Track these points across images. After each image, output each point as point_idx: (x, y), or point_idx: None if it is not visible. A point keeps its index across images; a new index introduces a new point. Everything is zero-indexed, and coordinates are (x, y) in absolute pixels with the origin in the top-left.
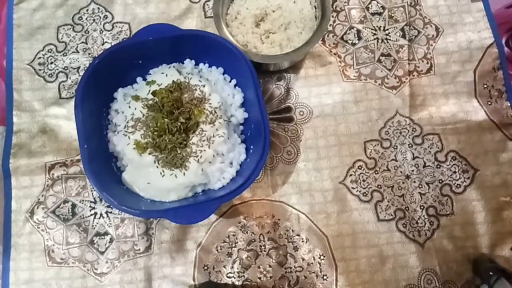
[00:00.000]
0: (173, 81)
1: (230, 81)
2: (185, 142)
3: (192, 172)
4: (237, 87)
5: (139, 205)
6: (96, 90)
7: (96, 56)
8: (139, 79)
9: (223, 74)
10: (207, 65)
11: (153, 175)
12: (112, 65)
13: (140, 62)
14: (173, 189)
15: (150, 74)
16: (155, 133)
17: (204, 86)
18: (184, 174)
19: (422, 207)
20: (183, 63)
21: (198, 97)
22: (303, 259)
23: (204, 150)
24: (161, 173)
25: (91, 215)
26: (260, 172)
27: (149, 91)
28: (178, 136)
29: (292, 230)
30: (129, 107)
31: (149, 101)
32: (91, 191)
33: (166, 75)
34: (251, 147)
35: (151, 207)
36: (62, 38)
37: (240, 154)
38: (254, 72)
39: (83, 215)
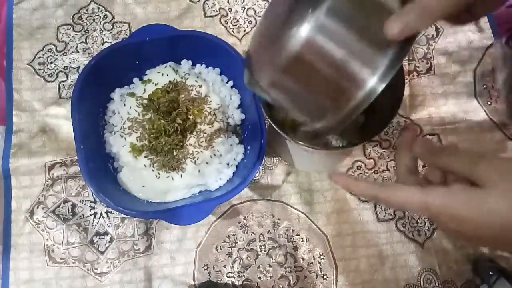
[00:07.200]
0: (169, 81)
1: (227, 82)
2: (181, 144)
3: (189, 174)
4: (234, 88)
5: (136, 206)
6: (93, 91)
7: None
8: (135, 79)
9: (220, 75)
10: (204, 65)
11: (148, 177)
12: (109, 66)
13: (137, 62)
14: (170, 191)
15: (146, 74)
16: (152, 135)
17: (200, 86)
18: (181, 176)
19: None
20: (180, 63)
21: (195, 97)
22: (303, 259)
23: (202, 151)
24: (156, 176)
25: (91, 215)
26: (257, 173)
27: (144, 89)
28: (174, 137)
29: (292, 230)
30: (124, 105)
31: (144, 100)
32: (91, 191)
33: (163, 74)
34: (248, 147)
35: (147, 207)
36: (62, 38)
37: (237, 154)
38: None
39: (83, 215)
